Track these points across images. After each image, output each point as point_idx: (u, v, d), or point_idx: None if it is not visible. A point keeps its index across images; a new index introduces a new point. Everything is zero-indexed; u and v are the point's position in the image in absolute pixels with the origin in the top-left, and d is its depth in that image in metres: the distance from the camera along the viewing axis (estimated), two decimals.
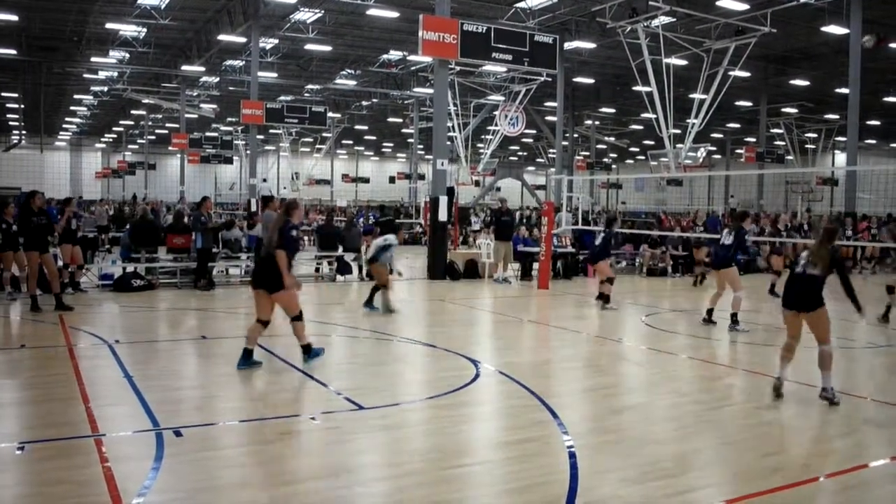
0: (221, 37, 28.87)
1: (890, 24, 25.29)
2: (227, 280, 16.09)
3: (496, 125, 30.05)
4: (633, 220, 30.93)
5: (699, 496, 4.59)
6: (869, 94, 30.54)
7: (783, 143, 41.31)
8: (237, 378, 7.28)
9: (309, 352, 7.75)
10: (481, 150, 35.67)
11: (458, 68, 25.90)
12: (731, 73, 22.17)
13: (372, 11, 26.47)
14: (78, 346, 8.72)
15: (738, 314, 10.84)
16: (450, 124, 26.02)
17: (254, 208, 27.01)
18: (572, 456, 5.17)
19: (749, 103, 40.47)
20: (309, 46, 32.35)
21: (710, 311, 11.19)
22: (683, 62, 24.90)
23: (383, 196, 52.81)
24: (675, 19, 23.72)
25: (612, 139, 53.55)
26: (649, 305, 13.96)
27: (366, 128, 57.53)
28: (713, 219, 24.12)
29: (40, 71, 37.51)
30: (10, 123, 51.39)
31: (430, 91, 29.13)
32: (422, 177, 47.38)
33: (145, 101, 42.38)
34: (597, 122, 48.32)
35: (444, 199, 17.67)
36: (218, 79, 39.55)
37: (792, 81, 35.39)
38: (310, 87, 41.21)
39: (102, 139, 66.68)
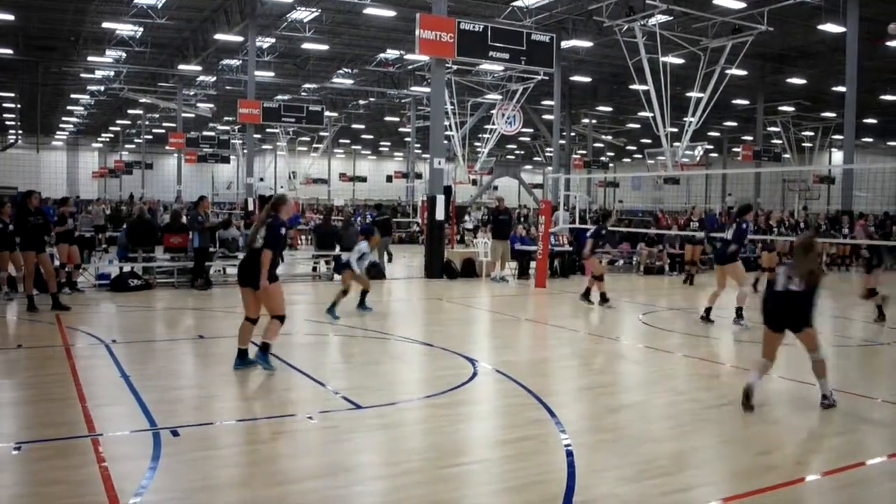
0: (218, 36, 28.83)
1: (886, 22, 25.28)
2: (224, 279, 16.07)
3: (493, 124, 30.06)
4: (630, 218, 30.98)
5: (696, 494, 4.59)
6: (866, 93, 30.58)
7: (780, 141, 41.39)
8: (234, 378, 7.27)
9: (265, 352, 7.33)
10: (478, 149, 35.71)
11: (454, 67, 25.89)
12: (728, 71, 22.20)
13: (369, 10, 26.46)
14: (75, 346, 8.71)
15: (742, 308, 10.84)
16: (447, 123, 26.02)
17: (251, 207, 27.01)
18: (569, 454, 5.17)
19: (746, 102, 40.52)
20: (306, 45, 32.33)
21: (708, 310, 11.16)
22: (680, 61, 24.91)
23: (380, 195, 52.76)
24: (671, 18, 23.73)
25: (609, 138, 53.58)
26: (646, 304, 13.98)
27: (363, 127, 57.51)
28: (711, 217, 24.16)
29: (37, 70, 37.45)
30: (7, 123, 51.35)
31: (427, 90, 29.09)
32: (419, 176, 47.38)
33: (142, 100, 42.33)
34: (594, 121, 48.34)
35: (441, 198, 17.67)
36: (215, 78, 39.50)
37: (789, 80, 35.42)
38: (307, 86, 41.19)
39: (99, 139, 66.55)
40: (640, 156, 59.57)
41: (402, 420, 6.15)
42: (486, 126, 32.26)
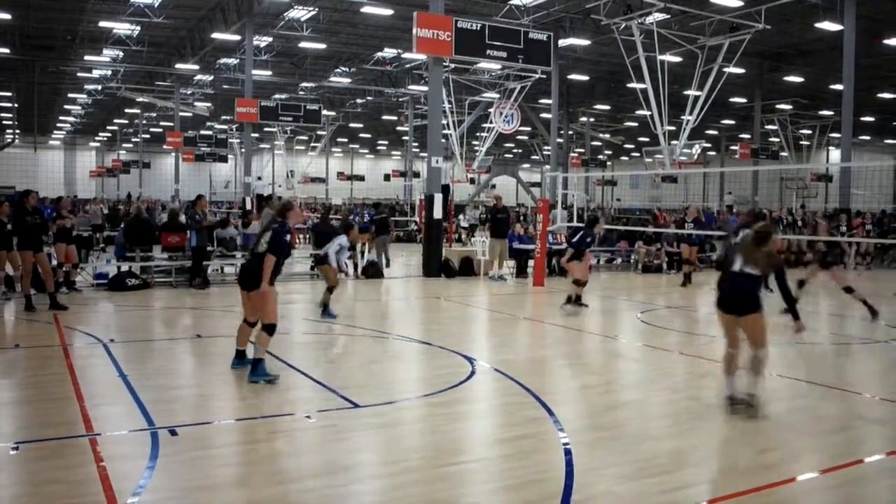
0: (215, 35, 28.80)
1: (884, 20, 25.35)
2: (222, 279, 16.06)
3: (491, 122, 30.03)
4: (627, 216, 30.99)
5: (694, 492, 4.60)
6: (863, 91, 30.60)
7: (778, 139, 41.37)
8: (232, 377, 7.26)
9: (255, 368, 7.02)
10: (476, 148, 35.67)
11: (452, 66, 25.86)
12: (726, 69, 22.17)
13: (366, 9, 26.45)
14: (73, 346, 8.70)
15: None
16: (444, 122, 26.02)
17: (249, 206, 26.97)
18: (568, 453, 5.17)
19: (743, 100, 40.52)
20: (303, 44, 32.30)
21: None
22: (678, 59, 24.89)
23: (378, 194, 52.69)
24: (669, 16, 23.73)
25: (607, 136, 53.58)
26: (644, 302, 13.99)
27: (360, 126, 57.47)
28: (709, 215, 24.18)
29: (34, 70, 37.42)
30: (4, 123, 51.25)
31: (425, 88, 29.07)
32: (417, 174, 47.36)
33: (139, 99, 42.27)
34: (591, 119, 48.33)
35: (438, 197, 17.66)
36: (212, 77, 39.46)
37: (786, 78, 35.44)
38: (304, 84, 41.14)
39: (97, 138, 66.44)
40: (637, 154, 59.52)
41: (401, 419, 6.15)
42: (484, 125, 32.24)
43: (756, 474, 4.87)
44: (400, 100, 43.93)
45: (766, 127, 41.09)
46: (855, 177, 27.66)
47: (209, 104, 45.14)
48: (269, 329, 7.07)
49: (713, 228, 19.39)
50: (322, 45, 32.86)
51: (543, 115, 40.36)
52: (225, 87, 41.79)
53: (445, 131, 27.20)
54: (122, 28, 29.85)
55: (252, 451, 5.31)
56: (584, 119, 47.41)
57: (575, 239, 12.77)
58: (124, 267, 14.50)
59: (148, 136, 56.47)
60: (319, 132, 47.66)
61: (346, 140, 67.28)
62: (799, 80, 35.41)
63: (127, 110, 50.39)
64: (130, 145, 64.30)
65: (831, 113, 38.72)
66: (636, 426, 5.96)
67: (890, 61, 31.61)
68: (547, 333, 10.89)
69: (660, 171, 28.61)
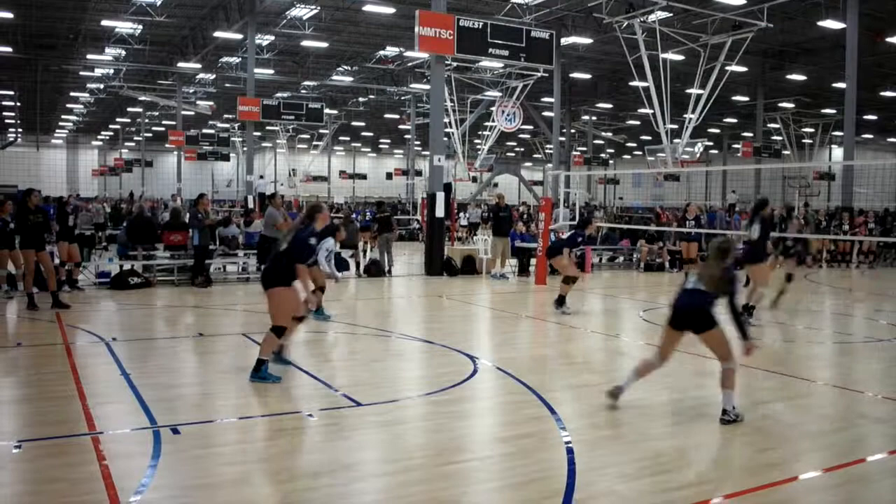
0: (217, 33, 28.81)
1: (886, 18, 25.29)
2: (224, 277, 16.08)
3: (493, 121, 30.02)
4: (629, 215, 30.96)
5: (697, 491, 4.58)
6: (866, 89, 30.52)
7: (780, 137, 41.29)
8: (234, 375, 7.26)
9: (259, 369, 6.91)
10: (478, 146, 35.68)
11: (454, 64, 25.87)
12: (728, 67, 22.16)
13: (368, 7, 26.43)
14: (75, 344, 8.71)
15: (755, 308, 10.77)
16: (446, 120, 26.00)
17: (251, 205, 26.99)
18: (570, 451, 5.17)
19: (746, 98, 40.46)
20: (305, 43, 32.28)
21: (746, 307, 10.44)
22: (680, 57, 24.88)
23: (381, 192, 52.67)
24: (671, 14, 23.68)
25: (610, 134, 53.52)
26: (647, 301, 13.97)
27: (363, 124, 57.46)
28: (712, 214, 24.14)
29: (36, 68, 37.44)
30: (7, 121, 51.27)
31: (427, 87, 29.07)
32: (419, 173, 47.35)
33: (142, 98, 42.27)
34: (594, 118, 48.31)
35: (441, 196, 17.66)
36: (214, 76, 39.47)
37: (789, 76, 35.38)
38: (306, 83, 41.14)
39: (99, 137, 66.50)
40: (640, 152, 59.49)
41: (403, 417, 6.15)
42: (486, 123, 32.25)
43: (758, 473, 4.86)
44: (402, 98, 43.91)
45: (769, 125, 41.03)
46: (858, 175, 27.53)
47: (211, 103, 45.16)
48: (278, 331, 7.02)
49: (714, 227, 19.37)
50: (324, 44, 32.85)
51: (545, 113, 40.35)
52: (227, 85, 41.83)
53: (447, 130, 27.18)
54: (124, 27, 29.85)
55: (254, 450, 5.31)
56: (586, 117, 47.38)
57: (565, 236, 12.78)
58: (126, 265, 14.52)
59: (150, 134, 56.48)
60: (321, 131, 47.66)
61: (348, 138, 67.28)
62: (801, 78, 35.35)
63: (129, 109, 50.41)
64: (133, 144, 64.33)
65: (834, 111, 38.67)
66: (639, 425, 5.95)
67: (892, 59, 31.55)
68: (549, 332, 10.88)
69: (662, 169, 28.58)
